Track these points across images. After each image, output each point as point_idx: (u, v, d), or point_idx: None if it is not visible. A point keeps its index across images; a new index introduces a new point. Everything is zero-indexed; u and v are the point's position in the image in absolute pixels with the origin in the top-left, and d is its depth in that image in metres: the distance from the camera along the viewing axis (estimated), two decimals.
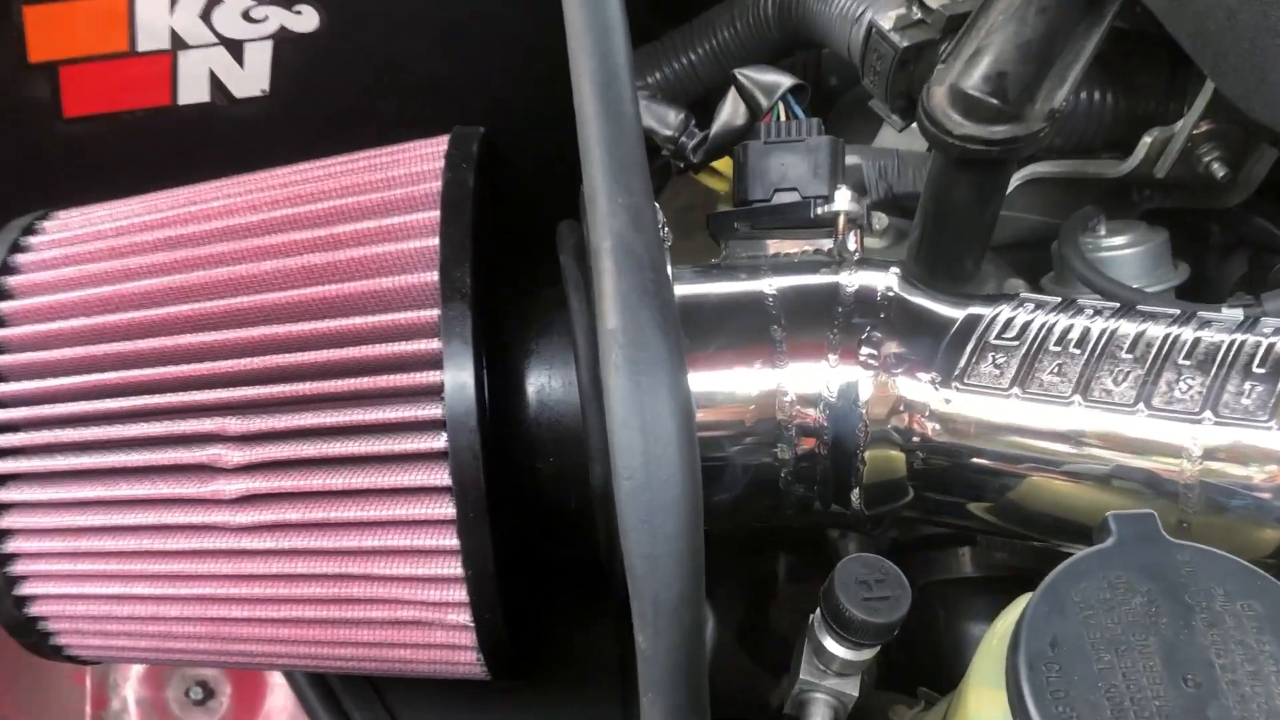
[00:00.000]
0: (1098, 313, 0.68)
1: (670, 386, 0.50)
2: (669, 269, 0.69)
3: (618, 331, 0.51)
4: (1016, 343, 0.66)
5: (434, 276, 0.62)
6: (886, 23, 0.97)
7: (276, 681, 1.08)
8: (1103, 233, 0.96)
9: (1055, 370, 0.65)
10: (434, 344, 0.61)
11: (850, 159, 1.07)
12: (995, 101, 0.83)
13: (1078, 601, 0.55)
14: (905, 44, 0.95)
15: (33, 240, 0.70)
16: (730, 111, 0.83)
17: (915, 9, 0.97)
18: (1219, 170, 0.90)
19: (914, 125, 1.04)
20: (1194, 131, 0.90)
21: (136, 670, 1.08)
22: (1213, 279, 1.06)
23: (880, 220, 1.00)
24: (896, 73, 0.96)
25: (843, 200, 0.74)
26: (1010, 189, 1.00)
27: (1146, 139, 0.91)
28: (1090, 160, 0.97)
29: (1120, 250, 0.96)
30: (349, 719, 0.93)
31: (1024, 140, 0.83)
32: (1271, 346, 0.63)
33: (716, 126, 0.83)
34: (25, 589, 0.66)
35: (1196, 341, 0.64)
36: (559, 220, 0.77)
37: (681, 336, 0.51)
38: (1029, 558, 0.88)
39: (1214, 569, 0.56)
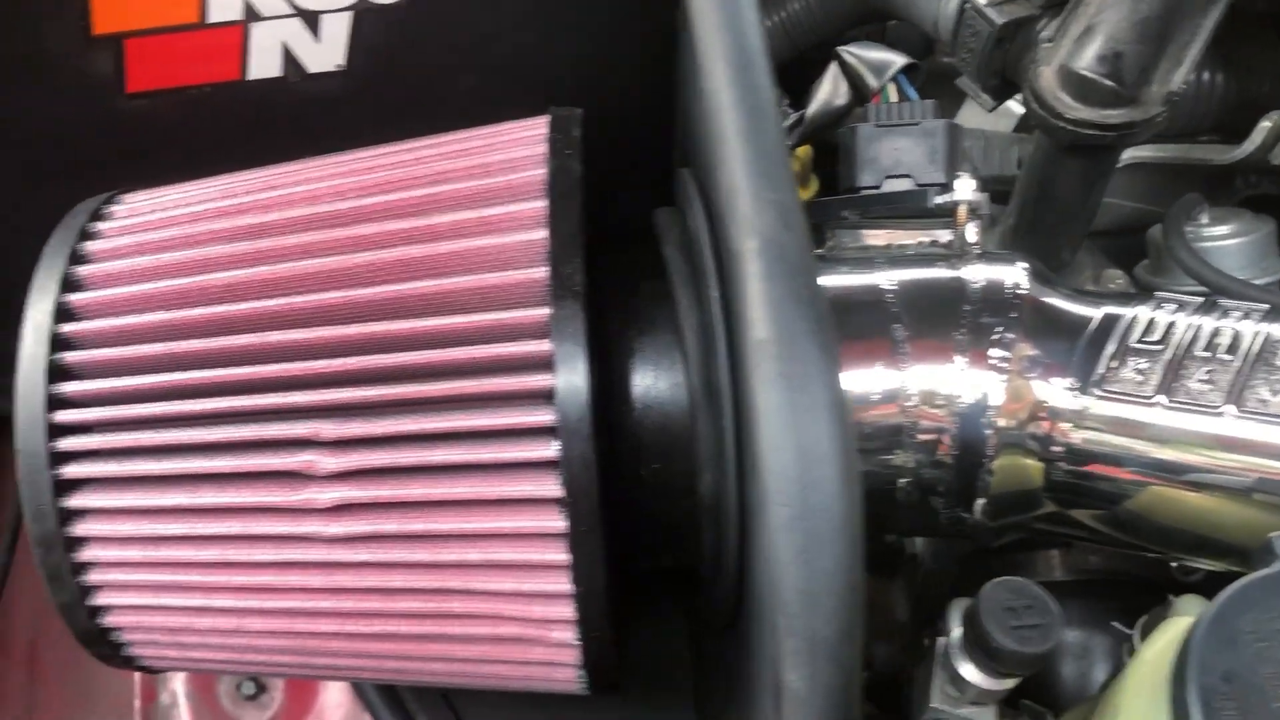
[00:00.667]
0: (1245, 316, 0.63)
1: (829, 404, 0.46)
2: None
3: (770, 342, 0.46)
4: (1160, 347, 0.62)
5: (542, 272, 0.57)
6: None
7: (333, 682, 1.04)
8: (1205, 221, 0.92)
9: (1204, 378, 0.60)
10: (544, 345, 0.56)
11: None
12: (1111, 83, 0.78)
13: (1249, 632, 0.51)
14: (1003, 20, 0.90)
15: (102, 226, 0.65)
16: (830, 91, 0.78)
17: None
18: None
19: (1001, 106, 0.99)
20: None
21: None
22: None
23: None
24: (992, 50, 0.91)
25: (964, 189, 0.70)
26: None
27: (1265, 123, 0.86)
28: (1196, 145, 0.92)
29: (1224, 240, 0.91)
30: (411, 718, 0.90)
31: (1141, 125, 0.78)
32: None
33: (814, 107, 0.79)
34: (99, 599, 0.62)
35: None
36: (639, 207, 0.72)
37: (838, 350, 0.47)
38: (1122, 561, 0.84)
39: None
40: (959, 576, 0.88)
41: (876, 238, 0.72)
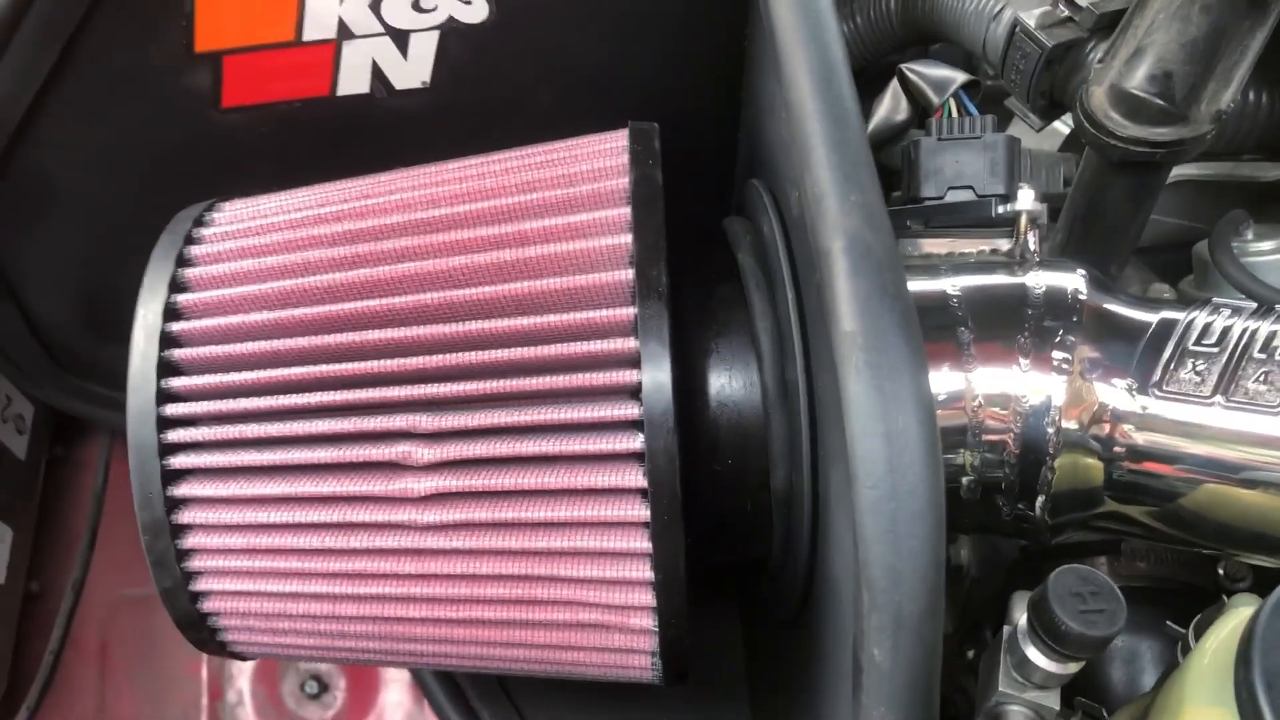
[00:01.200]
0: None
1: (915, 393, 0.48)
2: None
3: (857, 334, 0.49)
4: (1217, 349, 0.64)
5: (628, 274, 0.60)
6: (1032, 20, 0.95)
7: (392, 677, 1.07)
8: (1250, 237, 0.94)
9: (1261, 378, 0.63)
10: (631, 343, 0.59)
11: None
12: (1161, 102, 0.81)
13: None
14: (1053, 43, 0.93)
15: (205, 232, 0.69)
16: (890, 107, 0.81)
17: (1062, 6, 0.95)
18: None
19: (1048, 126, 1.02)
20: None
21: (250, 665, 1.07)
22: None
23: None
24: (1041, 72, 0.94)
25: (1025, 199, 0.73)
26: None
27: None
28: (1242, 162, 0.95)
29: (1270, 255, 0.93)
30: (477, 716, 0.92)
31: (1190, 143, 0.81)
32: None
33: (875, 123, 0.82)
34: (200, 585, 0.65)
35: None
36: (704, 215, 0.75)
37: (923, 342, 0.50)
38: (1169, 568, 0.86)
39: None
40: (1007, 584, 0.90)
41: (938, 246, 0.75)
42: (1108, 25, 0.90)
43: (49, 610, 1.05)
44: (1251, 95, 0.94)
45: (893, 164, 0.87)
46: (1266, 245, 0.94)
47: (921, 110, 0.80)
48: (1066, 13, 0.95)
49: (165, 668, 1.08)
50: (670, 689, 0.90)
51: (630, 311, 0.60)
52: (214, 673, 1.07)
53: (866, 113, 0.84)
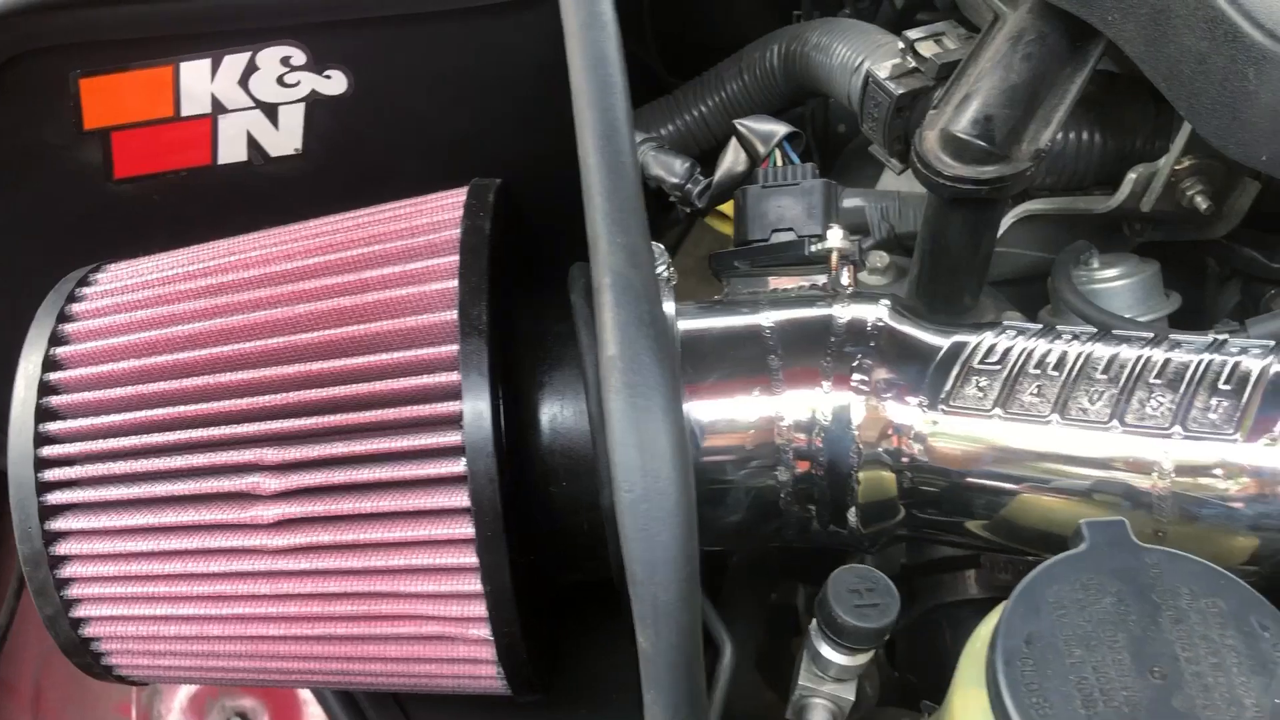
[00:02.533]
0: (1075, 337, 0.72)
1: (665, 408, 0.55)
2: (669, 304, 0.74)
3: (616, 358, 0.56)
4: (998, 367, 0.70)
5: (453, 315, 0.67)
6: (883, 72, 1.03)
7: (313, 711, 1.12)
8: (1095, 265, 1.01)
9: (1035, 391, 0.69)
10: (453, 377, 0.66)
11: (853, 201, 1.12)
12: (983, 144, 0.87)
13: (1051, 602, 0.59)
14: (900, 91, 1.01)
15: (87, 291, 0.76)
16: (732, 159, 0.88)
17: (910, 58, 1.03)
18: (1202, 203, 0.95)
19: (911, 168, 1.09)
20: (1176, 167, 0.95)
21: (179, 701, 1.12)
22: (1209, 308, 1.09)
23: (881, 258, 1.05)
24: (893, 119, 1.02)
25: (835, 238, 0.79)
26: (1006, 226, 1.05)
27: (1131, 175, 0.95)
28: (1081, 197, 1.01)
29: (1113, 282, 1.00)
30: None
31: (1010, 180, 0.87)
32: (1237, 365, 0.67)
33: (719, 173, 0.89)
34: (80, 611, 0.71)
35: (1167, 362, 0.69)
36: (573, 260, 0.82)
37: (677, 362, 0.56)
38: None
39: (1180, 570, 0.60)
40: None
41: (766, 283, 0.82)
42: (948, 75, 0.98)
43: None
44: (1086, 135, 1.01)
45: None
46: (1110, 272, 1.00)
47: (754, 160, 0.87)
48: (914, 64, 1.03)
49: (96, 710, 1.14)
50: (568, 712, 0.96)
51: (453, 349, 0.66)
52: (142, 711, 1.13)
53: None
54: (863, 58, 1.07)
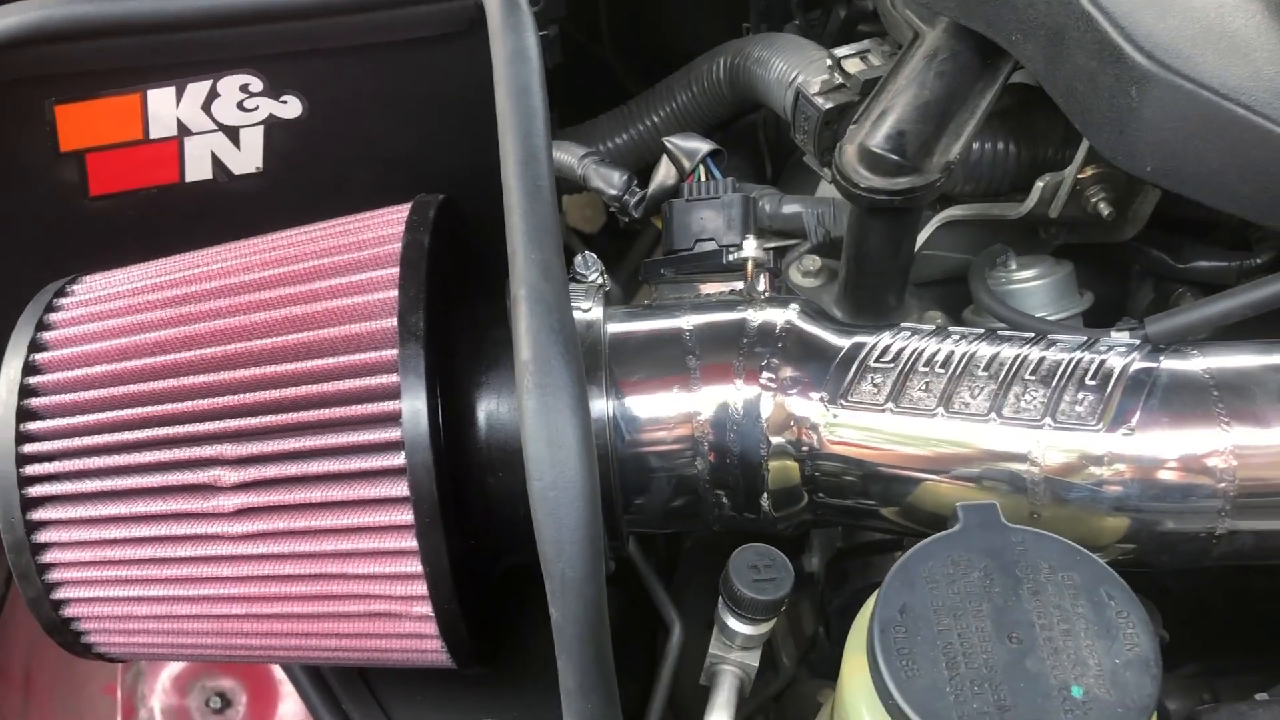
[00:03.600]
0: (963, 338, 0.79)
1: (571, 406, 0.62)
2: (598, 309, 0.81)
3: (529, 362, 0.63)
4: (892, 365, 0.77)
5: (393, 323, 0.74)
6: (812, 87, 1.09)
7: (287, 691, 1.19)
8: (1013, 267, 1.07)
9: (923, 387, 0.76)
10: (394, 378, 0.73)
11: (792, 207, 1.18)
12: (896, 157, 0.94)
13: (925, 577, 0.66)
14: (827, 106, 1.07)
15: (63, 301, 0.83)
16: (664, 173, 0.95)
17: (837, 75, 1.09)
18: (1105, 209, 1.02)
19: None
20: (1080, 175, 1.01)
21: (162, 682, 1.20)
22: (1126, 307, 1.17)
23: (814, 262, 1.12)
24: (821, 132, 1.08)
25: (750, 248, 0.86)
26: (931, 230, 1.11)
27: (1039, 183, 1.02)
28: (997, 203, 1.08)
29: (1029, 282, 1.07)
30: (348, 717, 1.04)
31: (921, 190, 0.94)
32: (1103, 363, 0.74)
33: (653, 187, 0.96)
34: (60, 594, 0.78)
35: (1041, 360, 0.76)
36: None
37: (582, 365, 0.63)
38: None
39: (1042, 547, 0.67)
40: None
41: (695, 289, 0.89)
42: (871, 90, 1.04)
43: None
44: (1001, 145, 1.08)
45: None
46: (1026, 273, 1.07)
47: (681, 175, 0.93)
48: (840, 80, 1.09)
49: (83, 691, 1.20)
50: (526, 691, 1.02)
51: (393, 353, 0.73)
52: (127, 693, 1.20)
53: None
54: (796, 73, 1.14)
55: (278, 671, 1.21)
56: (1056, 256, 1.11)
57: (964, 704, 0.61)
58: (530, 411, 0.62)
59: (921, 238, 1.11)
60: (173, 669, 1.21)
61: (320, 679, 1.01)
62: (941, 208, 1.11)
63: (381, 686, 1.05)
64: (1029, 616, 0.64)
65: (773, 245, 1.12)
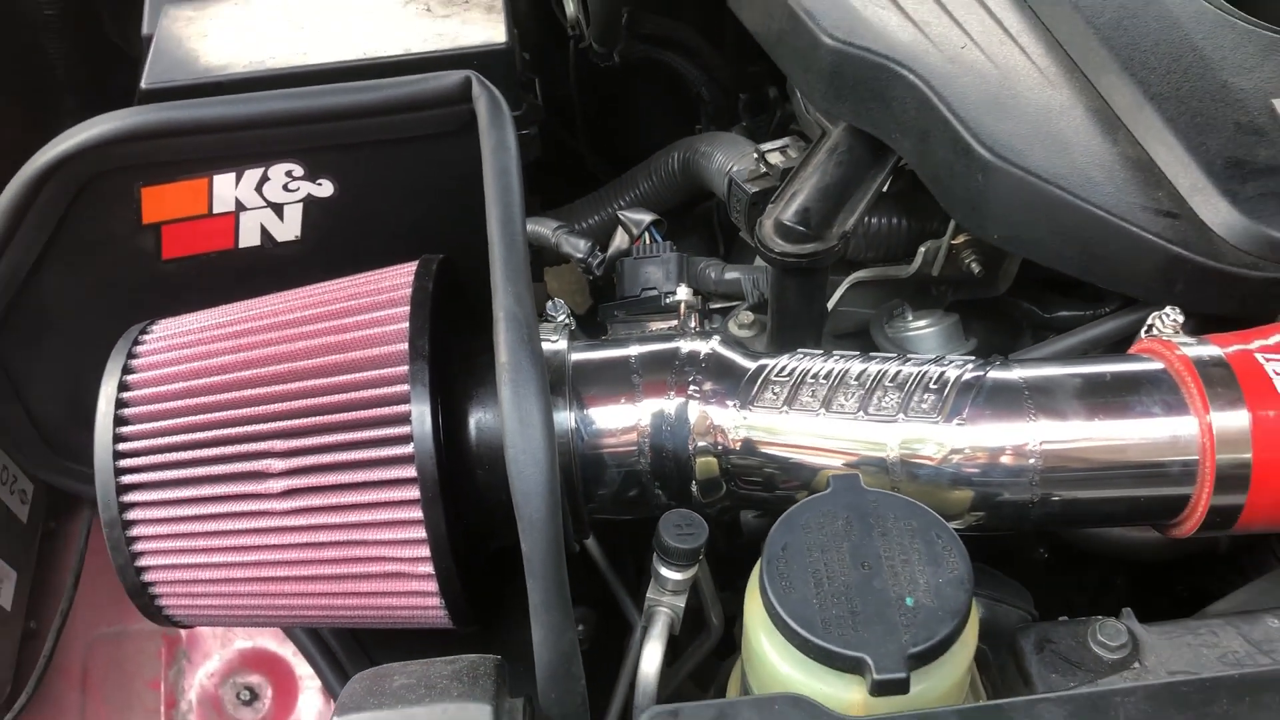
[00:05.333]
0: (842, 358, 1.02)
1: (536, 395, 0.85)
2: (563, 341, 1.04)
3: (506, 364, 0.86)
4: (788, 379, 1.00)
5: (404, 346, 0.97)
6: (742, 176, 1.35)
7: (308, 685, 1.40)
8: (909, 318, 1.31)
9: (810, 394, 0.99)
10: (404, 388, 0.96)
11: (733, 274, 1.42)
12: (802, 229, 1.19)
13: (801, 524, 0.88)
14: (754, 190, 1.33)
15: (145, 338, 1.06)
16: (619, 239, 1.20)
17: (762, 165, 1.35)
18: (976, 268, 1.26)
19: None
20: (955, 242, 1.26)
21: (199, 677, 1.40)
22: (1011, 350, 1.40)
23: (749, 316, 1.36)
24: (749, 211, 1.34)
25: (683, 293, 1.10)
26: (843, 291, 1.36)
27: (922, 249, 1.27)
28: (893, 266, 1.33)
29: (921, 330, 1.31)
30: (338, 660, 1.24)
31: (823, 254, 1.18)
32: (944, 373, 0.97)
33: (610, 250, 1.20)
34: (141, 561, 1.00)
35: (899, 372, 0.99)
36: None
37: (545, 368, 0.86)
38: None
39: (890, 503, 0.89)
40: None
41: (645, 326, 1.12)
42: (786, 177, 1.30)
43: (40, 645, 1.39)
44: (895, 219, 1.33)
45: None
46: (919, 323, 1.31)
47: (631, 239, 1.18)
48: (765, 169, 1.35)
49: (131, 685, 1.41)
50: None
51: (404, 369, 0.97)
52: (169, 686, 1.40)
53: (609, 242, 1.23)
54: (731, 164, 1.40)
55: (298, 668, 1.41)
56: (950, 309, 1.35)
57: (826, 611, 0.82)
58: (506, 399, 0.85)
59: (836, 297, 1.36)
60: (208, 666, 1.42)
61: (325, 646, 1.22)
62: (850, 272, 1.36)
63: (379, 653, 1.24)
64: (877, 550, 0.86)
65: (717, 306, 1.37)
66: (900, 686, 0.80)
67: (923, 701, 0.82)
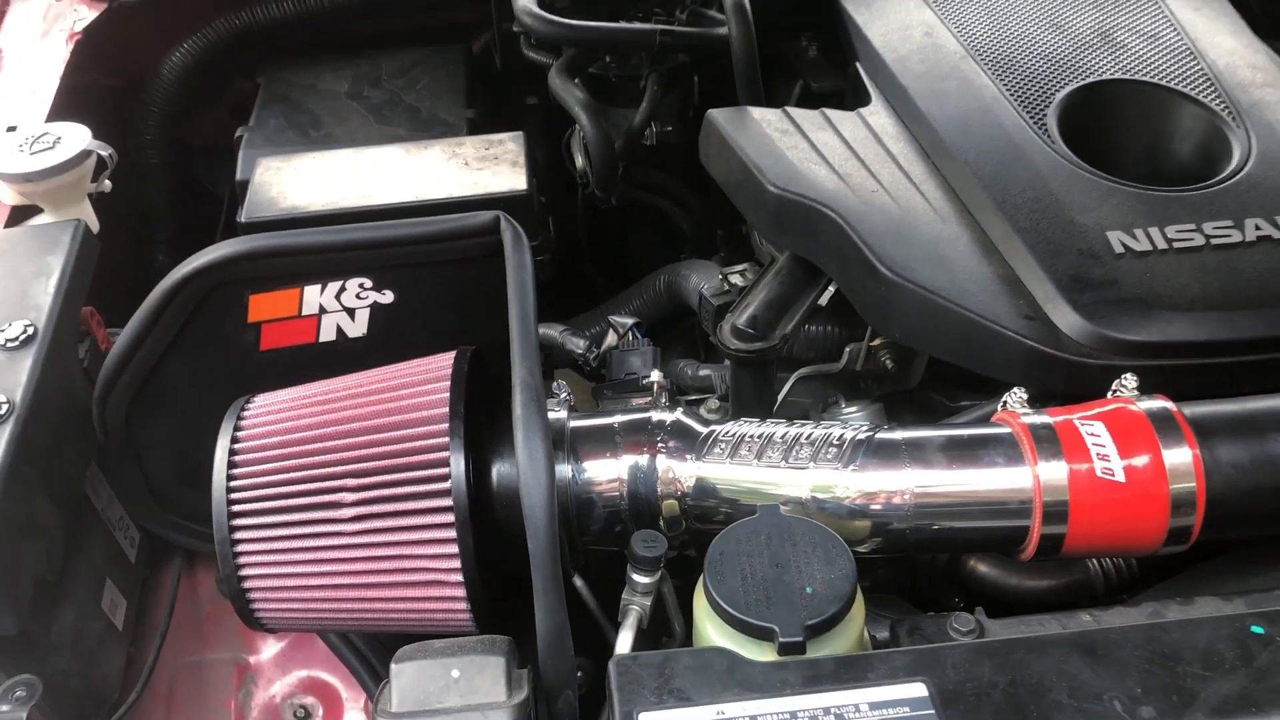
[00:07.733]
0: (775, 424, 1.35)
1: (541, 439, 1.18)
2: (564, 412, 1.38)
3: (520, 418, 1.20)
4: (731, 438, 1.34)
5: (445, 410, 1.31)
6: (710, 293, 1.71)
7: (351, 706, 1.70)
8: (842, 406, 1.65)
9: (747, 450, 1.32)
10: (445, 440, 1.29)
11: (705, 372, 1.77)
12: (751, 331, 1.54)
13: (734, 538, 1.20)
14: (718, 304, 1.68)
15: (249, 408, 1.40)
16: (609, 338, 1.55)
17: (725, 284, 1.71)
18: (890, 364, 1.60)
19: None
20: (873, 344, 1.61)
21: (263, 698, 1.70)
22: None
23: (715, 403, 1.70)
24: (715, 319, 1.69)
25: (655, 376, 1.45)
26: (790, 384, 1.70)
27: (848, 349, 1.61)
28: (828, 364, 1.67)
29: (851, 416, 1.64)
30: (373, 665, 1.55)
31: (768, 351, 1.53)
32: (844, 433, 1.30)
33: (603, 347, 1.55)
34: (243, 572, 1.32)
35: (813, 433, 1.32)
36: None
37: (548, 421, 1.20)
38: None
39: (799, 525, 1.21)
40: None
41: (625, 401, 1.46)
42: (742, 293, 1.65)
43: (137, 671, 1.69)
44: (829, 326, 1.68)
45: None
46: (850, 410, 1.64)
47: (619, 337, 1.53)
48: (727, 288, 1.71)
49: (209, 704, 1.71)
50: None
51: (444, 427, 1.30)
52: (239, 705, 1.70)
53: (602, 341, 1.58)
54: (703, 284, 1.75)
55: (344, 691, 1.71)
56: (876, 400, 1.68)
57: (749, 596, 1.14)
58: (521, 439, 1.18)
59: (785, 390, 1.70)
60: (270, 689, 1.72)
61: (364, 658, 1.53)
62: (795, 369, 1.70)
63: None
64: (787, 555, 1.17)
65: (692, 398, 1.72)
66: (799, 648, 1.11)
67: None
